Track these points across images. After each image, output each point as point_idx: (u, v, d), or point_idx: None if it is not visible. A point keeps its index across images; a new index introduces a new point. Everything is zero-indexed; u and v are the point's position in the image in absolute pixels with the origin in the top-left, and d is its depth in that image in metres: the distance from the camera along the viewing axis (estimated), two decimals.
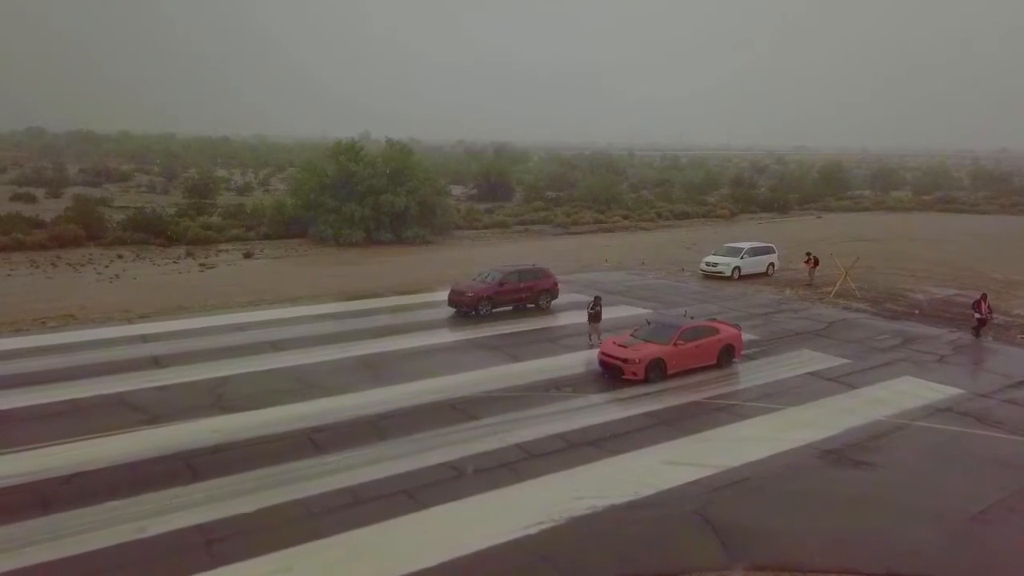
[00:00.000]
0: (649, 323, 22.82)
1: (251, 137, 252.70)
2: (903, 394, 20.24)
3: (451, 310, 28.91)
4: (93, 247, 45.02)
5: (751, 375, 21.85)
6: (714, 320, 23.82)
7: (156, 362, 22.03)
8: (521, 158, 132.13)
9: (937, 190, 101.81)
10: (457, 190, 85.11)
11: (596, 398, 19.63)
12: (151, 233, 47.56)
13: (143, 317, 27.71)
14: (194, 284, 34.67)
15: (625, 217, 64.73)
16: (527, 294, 29.82)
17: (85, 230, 46.43)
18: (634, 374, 20.55)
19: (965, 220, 70.60)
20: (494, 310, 28.79)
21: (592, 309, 24.52)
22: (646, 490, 14.41)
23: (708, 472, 15.21)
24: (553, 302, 30.37)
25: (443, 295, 30.10)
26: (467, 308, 28.47)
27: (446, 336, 25.91)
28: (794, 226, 62.99)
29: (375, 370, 21.76)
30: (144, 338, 24.60)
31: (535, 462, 15.56)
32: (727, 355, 22.40)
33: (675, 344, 21.22)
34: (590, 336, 24.51)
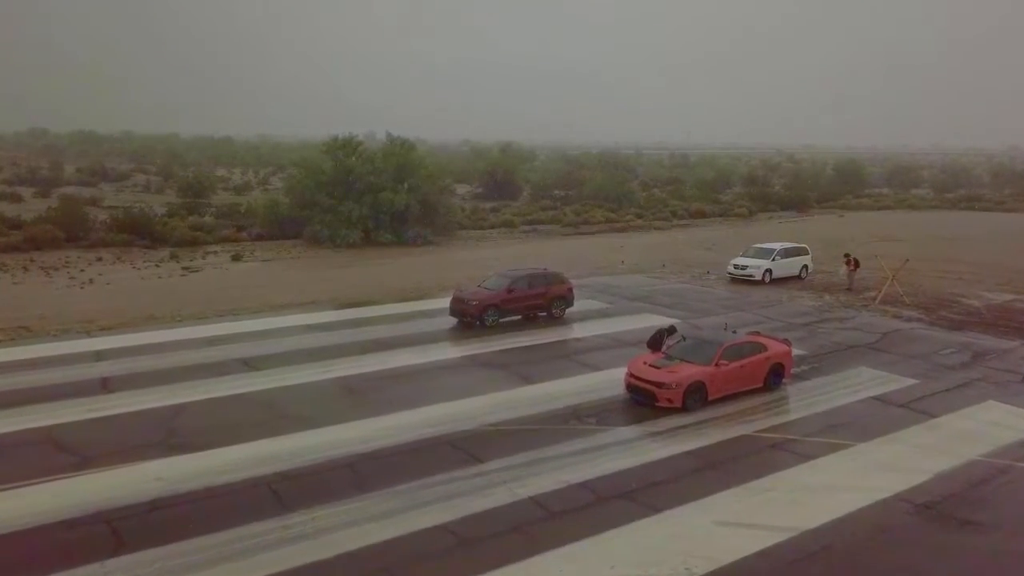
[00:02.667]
0: (685, 339, 19.43)
1: (254, 137, 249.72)
2: (994, 425, 16.87)
3: (453, 320, 25.63)
4: (72, 249, 41.92)
5: (806, 400, 18.48)
6: (759, 334, 20.38)
7: (104, 385, 18.76)
8: (528, 156, 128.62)
9: (958, 187, 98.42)
10: (462, 189, 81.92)
11: (625, 432, 16.29)
12: (136, 234, 44.44)
13: (105, 329, 24.50)
14: (173, 290, 31.47)
15: (638, 216, 61.35)
16: (538, 301, 26.48)
17: (65, 231, 43.33)
18: (670, 401, 17.19)
19: (994, 218, 66.97)
20: (501, 320, 25.52)
21: (668, 336, 20.34)
22: (700, 564, 11.10)
23: (777, 537, 11.88)
24: (568, 310, 27.04)
25: (444, 303, 26.80)
26: (471, 318, 25.21)
27: (446, 352, 22.60)
28: (817, 225, 59.43)
29: (359, 396, 18.44)
30: (98, 355, 21.32)
31: (556, 524, 12.24)
32: (775, 376, 19.05)
33: (717, 364, 17.84)
34: None
